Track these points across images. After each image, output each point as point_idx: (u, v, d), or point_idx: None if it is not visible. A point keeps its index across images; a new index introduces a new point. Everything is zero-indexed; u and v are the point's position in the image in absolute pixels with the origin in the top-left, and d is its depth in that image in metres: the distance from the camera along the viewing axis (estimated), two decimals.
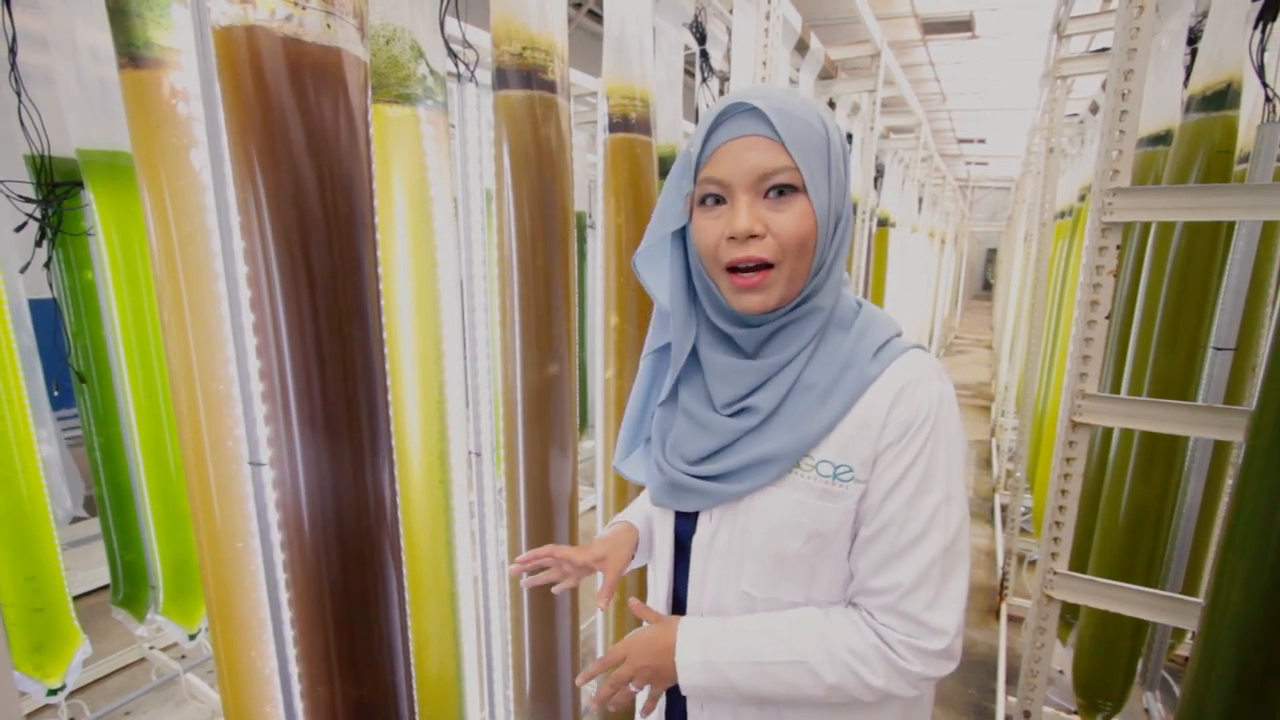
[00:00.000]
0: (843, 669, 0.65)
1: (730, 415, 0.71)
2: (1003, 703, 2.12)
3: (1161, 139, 1.62)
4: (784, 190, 0.64)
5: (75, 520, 2.62)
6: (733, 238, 0.64)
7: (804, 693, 0.67)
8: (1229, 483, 1.59)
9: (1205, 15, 1.41)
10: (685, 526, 0.76)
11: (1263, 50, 1.26)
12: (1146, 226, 1.62)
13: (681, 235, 0.73)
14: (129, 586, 1.89)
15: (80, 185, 1.62)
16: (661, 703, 0.83)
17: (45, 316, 1.76)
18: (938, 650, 0.64)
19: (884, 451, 0.65)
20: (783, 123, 0.62)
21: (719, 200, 0.66)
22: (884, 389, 0.66)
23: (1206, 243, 1.43)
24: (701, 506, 0.72)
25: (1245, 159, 1.43)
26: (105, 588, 2.53)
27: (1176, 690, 2.09)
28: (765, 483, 0.68)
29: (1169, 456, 1.54)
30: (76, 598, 1.73)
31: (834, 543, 0.68)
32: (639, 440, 0.83)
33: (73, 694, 2.09)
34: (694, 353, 0.75)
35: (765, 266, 0.65)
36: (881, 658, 0.65)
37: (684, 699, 0.78)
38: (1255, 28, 1.26)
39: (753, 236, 0.64)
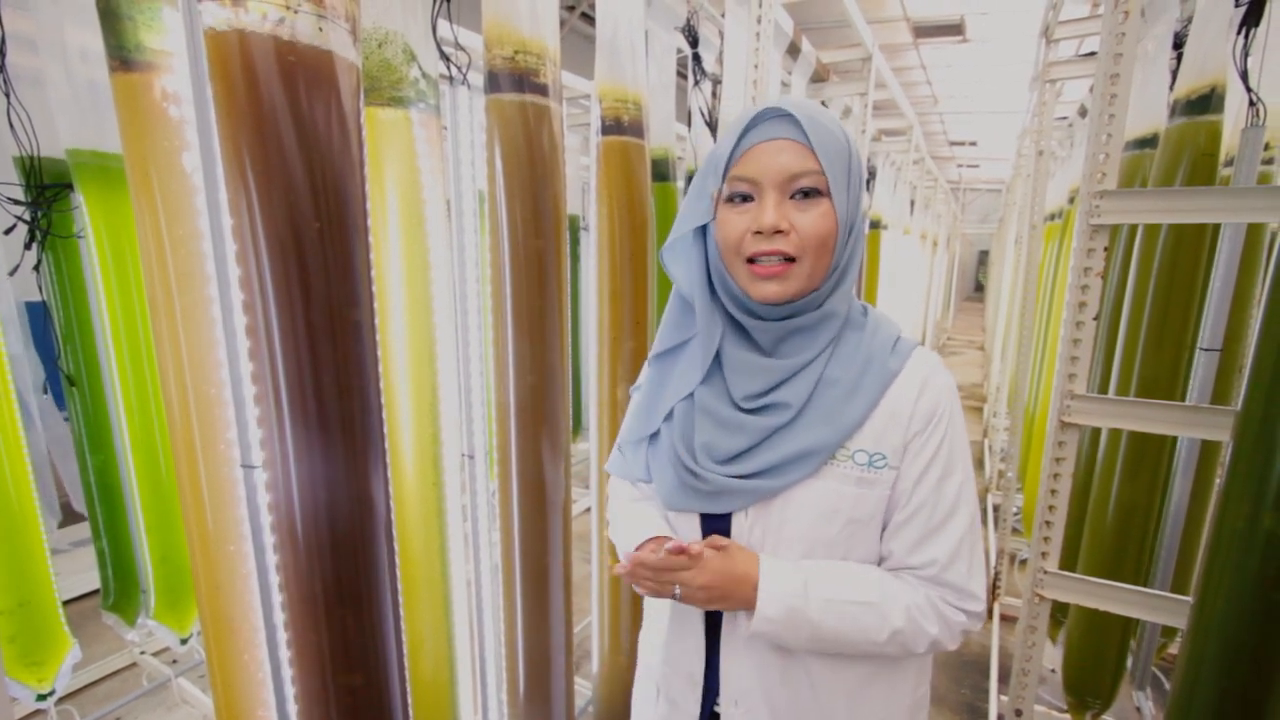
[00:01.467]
0: (904, 615, 0.69)
1: (754, 410, 0.73)
2: (995, 702, 2.13)
3: (1148, 142, 1.64)
4: (809, 193, 0.68)
5: (63, 524, 2.59)
6: (758, 232, 0.69)
7: (869, 637, 0.69)
8: (1217, 481, 1.61)
9: (1190, 20, 1.43)
10: (714, 527, 0.76)
11: (1245, 55, 1.28)
12: (1134, 229, 1.64)
13: (703, 231, 0.77)
14: (119, 591, 1.88)
15: (70, 188, 1.61)
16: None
17: (36, 319, 1.75)
18: (976, 611, 0.72)
19: (913, 439, 0.71)
20: (813, 129, 0.67)
21: (746, 198, 0.70)
22: (908, 382, 0.72)
23: (1192, 245, 1.45)
24: (740, 506, 0.73)
25: (1229, 162, 1.45)
26: (95, 592, 2.51)
27: (1168, 688, 2.11)
28: (805, 475, 0.71)
29: (1156, 456, 1.55)
30: (66, 602, 1.72)
31: (868, 527, 0.72)
32: (643, 441, 0.82)
33: (62, 699, 2.07)
34: (717, 351, 0.77)
35: (788, 260, 0.69)
36: (934, 609, 0.71)
37: (714, 707, 0.78)
38: (1238, 33, 1.28)
39: (778, 232, 0.68)
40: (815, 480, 0.71)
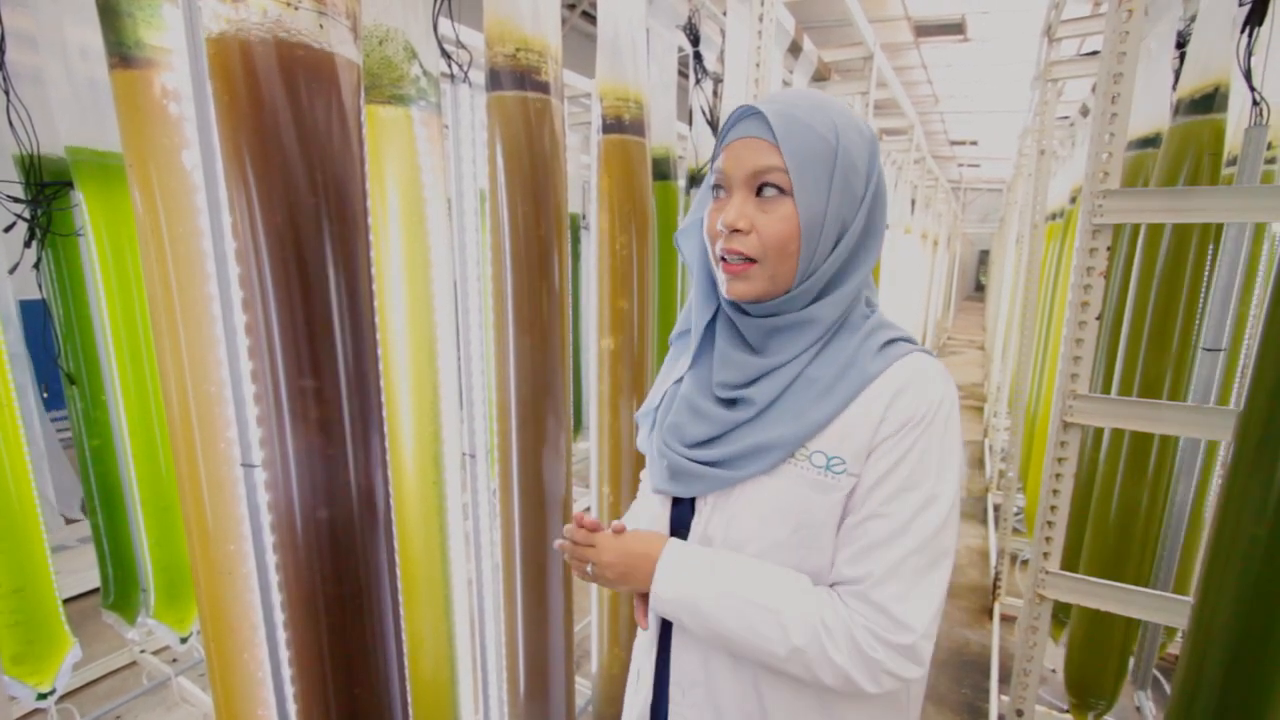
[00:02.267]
0: (810, 634, 0.64)
1: (725, 401, 0.73)
2: (996, 702, 2.13)
3: (1151, 141, 1.63)
4: (773, 192, 0.67)
5: (70, 521, 2.59)
6: (722, 229, 0.69)
7: (766, 646, 0.66)
8: (1218, 481, 1.61)
9: (1193, 19, 1.43)
10: (682, 515, 0.77)
11: (1249, 54, 1.28)
12: (1136, 228, 1.63)
13: None
14: (119, 590, 1.88)
15: (70, 185, 1.61)
16: (648, 691, 0.82)
17: (35, 318, 1.75)
18: (902, 645, 0.63)
19: (878, 446, 0.66)
20: (782, 126, 0.65)
21: (723, 193, 0.71)
22: (885, 386, 0.67)
23: (1196, 244, 1.45)
24: (699, 492, 0.73)
25: (1233, 162, 1.44)
26: (95, 591, 2.51)
27: (1168, 689, 2.11)
28: (760, 470, 0.69)
29: (1160, 456, 1.55)
30: (66, 601, 1.72)
31: (821, 535, 0.68)
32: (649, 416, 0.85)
33: (62, 698, 2.07)
34: (713, 341, 0.77)
35: (749, 260, 0.69)
36: (848, 636, 0.64)
37: (667, 686, 0.79)
38: (1242, 32, 1.28)
39: (737, 231, 0.68)
40: (770, 478, 0.69)
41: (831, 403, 0.68)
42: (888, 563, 0.64)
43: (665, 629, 0.80)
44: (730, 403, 0.73)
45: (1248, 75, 1.29)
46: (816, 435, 0.68)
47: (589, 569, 0.75)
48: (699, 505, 0.74)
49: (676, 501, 0.78)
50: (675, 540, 0.73)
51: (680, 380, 0.78)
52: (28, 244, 1.64)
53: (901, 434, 0.66)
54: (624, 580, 0.74)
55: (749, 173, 0.67)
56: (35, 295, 1.71)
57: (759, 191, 0.68)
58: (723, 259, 0.70)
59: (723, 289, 0.72)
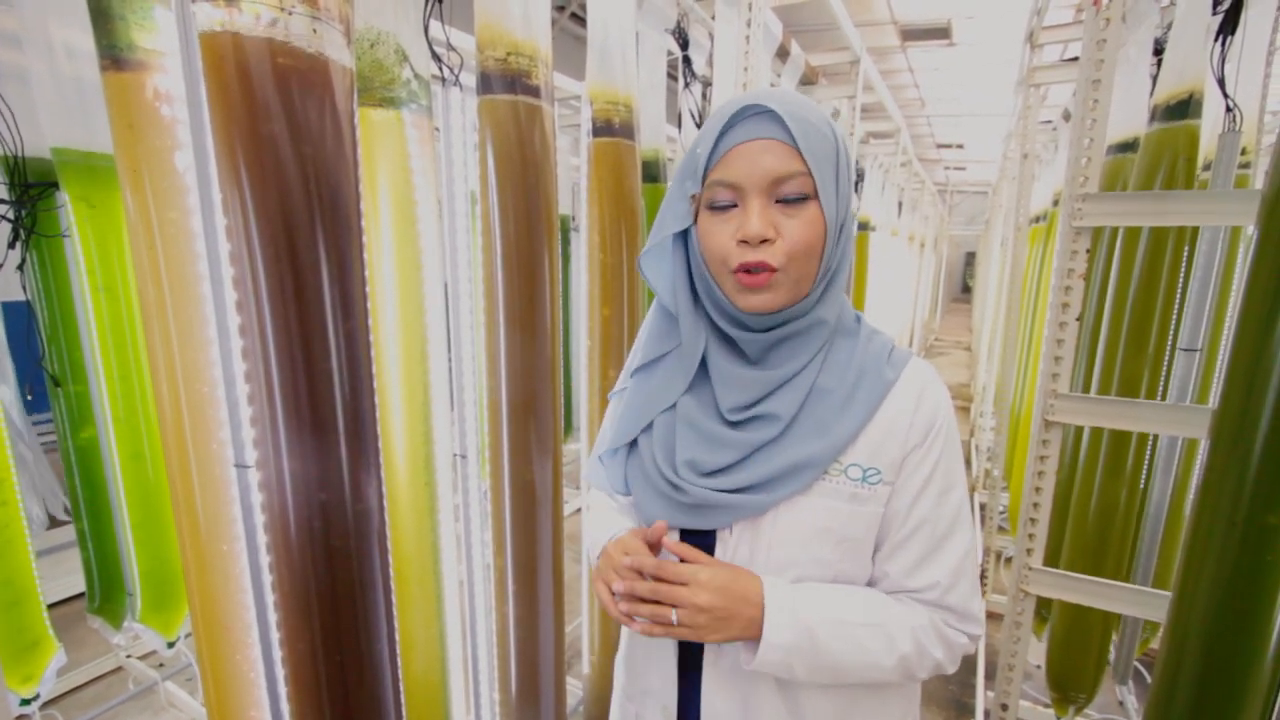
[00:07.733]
0: (911, 639, 0.66)
1: (742, 423, 0.69)
2: (982, 697, 2.16)
3: (1129, 146, 1.67)
4: (796, 197, 0.63)
5: (53, 525, 2.56)
6: (744, 241, 0.64)
7: (875, 660, 0.65)
8: (1195, 478, 1.64)
9: (1170, 27, 1.46)
10: (697, 546, 0.70)
11: (1223, 62, 1.31)
12: (1115, 231, 1.67)
13: (684, 235, 0.72)
14: (105, 594, 1.86)
15: (55, 186, 1.60)
16: (672, 690, 0.76)
17: (20, 319, 1.73)
18: (977, 634, 0.69)
19: (910, 453, 0.67)
20: (799, 128, 0.62)
21: (729, 204, 0.65)
22: (905, 392, 0.68)
23: (1172, 247, 1.48)
24: (725, 522, 0.68)
25: (1208, 166, 1.48)
26: (81, 595, 2.48)
27: (1149, 682, 2.14)
28: (796, 490, 0.66)
29: (1138, 453, 1.58)
30: (51, 606, 1.70)
31: (861, 547, 0.68)
32: (621, 451, 0.78)
33: (47, 704, 2.05)
34: (703, 361, 0.73)
35: (773, 268, 0.64)
36: (939, 634, 0.68)
37: (697, 684, 0.73)
38: (1216, 40, 1.31)
39: (764, 241, 0.63)
40: (806, 497, 0.67)
41: (856, 413, 0.67)
42: (950, 567, 0.68)
43: (685, 665, 0.73)
44: (744, 424, 0.69)
45: (1221, 82, 1.33)
46: (848, 448, 0.67)
47: (673, 616, 0.63)
48: (721, 536, 0.69)
49: (684, 533, 0.71)
50: (765, 577, 0.66)
51: (671, 407, 0.72)
52: (11, 245, 1.62)
53: (931, 440, 0.67)
54: (720, 625, 0.63)
55: (772, 179, 0.62)
56: (18, 297, 1.70)
57: (777, 198, 0.63)
58: (737, 271, 0.65)
59: (736, 303, 0.67)
